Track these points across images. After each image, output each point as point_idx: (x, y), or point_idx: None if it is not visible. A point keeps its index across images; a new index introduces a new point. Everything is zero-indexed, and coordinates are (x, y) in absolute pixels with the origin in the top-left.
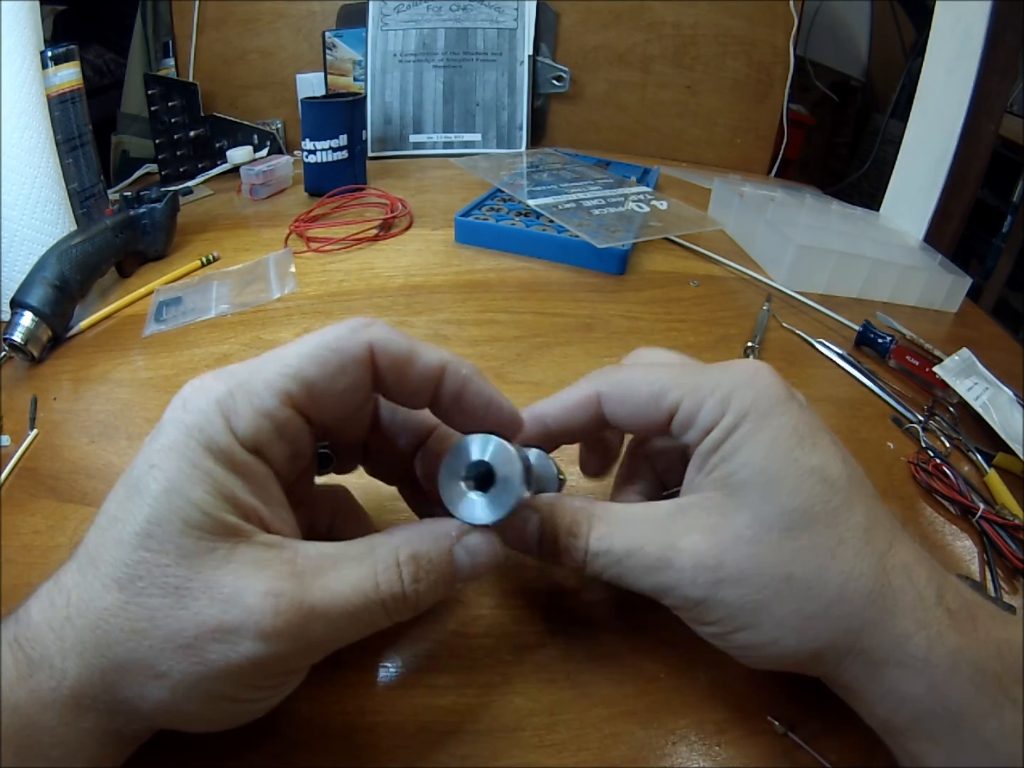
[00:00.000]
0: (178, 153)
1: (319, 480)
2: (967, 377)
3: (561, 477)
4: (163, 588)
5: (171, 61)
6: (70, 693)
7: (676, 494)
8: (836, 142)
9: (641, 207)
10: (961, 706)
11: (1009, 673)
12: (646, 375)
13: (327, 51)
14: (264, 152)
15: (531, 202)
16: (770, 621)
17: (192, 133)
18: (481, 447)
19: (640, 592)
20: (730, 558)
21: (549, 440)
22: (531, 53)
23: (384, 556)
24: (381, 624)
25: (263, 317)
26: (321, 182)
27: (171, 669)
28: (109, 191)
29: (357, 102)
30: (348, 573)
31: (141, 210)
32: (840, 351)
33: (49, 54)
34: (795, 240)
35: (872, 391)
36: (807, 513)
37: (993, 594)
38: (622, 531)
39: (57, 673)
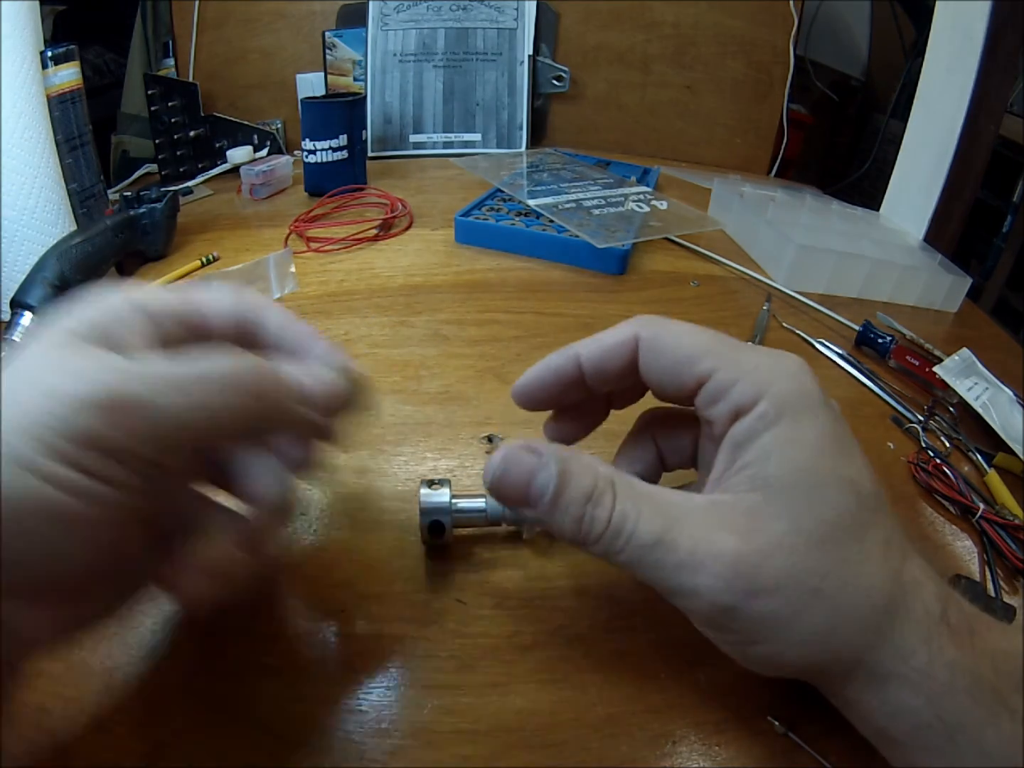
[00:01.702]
0: (178, 153)
1: None
2: (967, 377)
3: None
4: (18, 369)
5: (171, 61)
6: None
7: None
8: (836, 142)
9: (641, 207)
10: (958, 717)
11: (1006, 683)
12: (688, 333)
13: (327, 51)
14: (264, 152)
15: (531, 202)
16: (791, 636)
17: (192, 133)
18: None
19: (652, 585)
20: (767, 567)
21: (581, 384)
22: (531, 53)
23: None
24: (247, 387)
25: None
26: (321, 182)
27: None
28: (109, 191)
29: (357, 102)
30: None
31: (141, 210)
32: (840, 351)
33: (49, 54)
34: (795, 240)
35: (872, 391)
36: (840, 525)
37: (993, 594)
38: (652, 514)
39: None
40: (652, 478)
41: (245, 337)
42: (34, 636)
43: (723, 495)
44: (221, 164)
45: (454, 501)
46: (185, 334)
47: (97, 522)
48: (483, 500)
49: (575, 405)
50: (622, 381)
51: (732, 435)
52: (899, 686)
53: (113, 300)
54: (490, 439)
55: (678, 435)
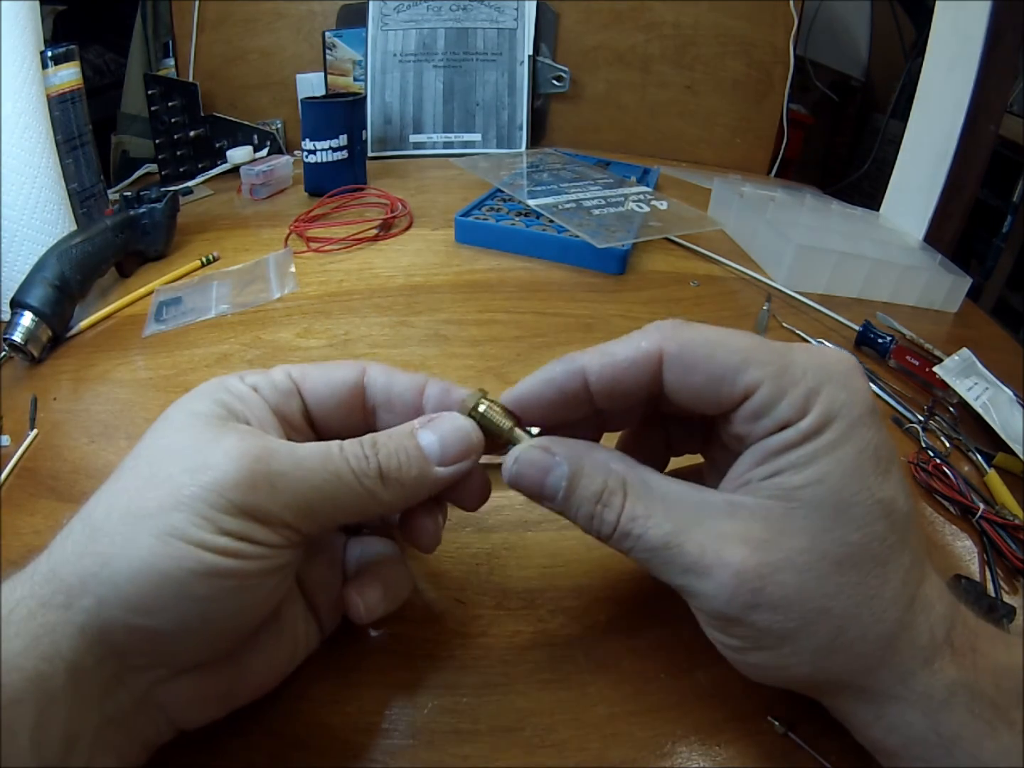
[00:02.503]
0: (178, 153)
1: None
2: (967, 377)
3: None
4: (157, 451)
5: (171, 61)
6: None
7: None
8: (836, 142)
9: (641, 207)
10: (956, 731)
11: (1006, 698)
12: (722, 342)
13: (327, 51)
14: (264, 152)
15: (531, 202)
16: (791, 648)
17: (192, 133)
18: None
19: (660, 579)
20: (775, 582)
21: (584, 402)
22: (531, 53)
23: (350, 440)
24: (354, 487)
25: (263, 317)
26: (321, 182)
27: (141, 506)
28: (109, 191)
29: (357, 102)
30: (314, 444)
31: (141, 210)
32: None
33: (49, 54)
34: (795, 240)
35: (872, 391)
36: (864, 549)
37: (993, 594)
38: (661, 517)
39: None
40: (659, 464)
41: (362, 406)
42: (179, 715)
43: (743, 497)
44: (221, 164)
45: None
46: (295, 411)
47: (249, 575)
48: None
49: (563, 426)
50: (634, 401)
51: (767, 442)
52: (895, 704)
53: (232, 382)
54: None
55: (688, 422)
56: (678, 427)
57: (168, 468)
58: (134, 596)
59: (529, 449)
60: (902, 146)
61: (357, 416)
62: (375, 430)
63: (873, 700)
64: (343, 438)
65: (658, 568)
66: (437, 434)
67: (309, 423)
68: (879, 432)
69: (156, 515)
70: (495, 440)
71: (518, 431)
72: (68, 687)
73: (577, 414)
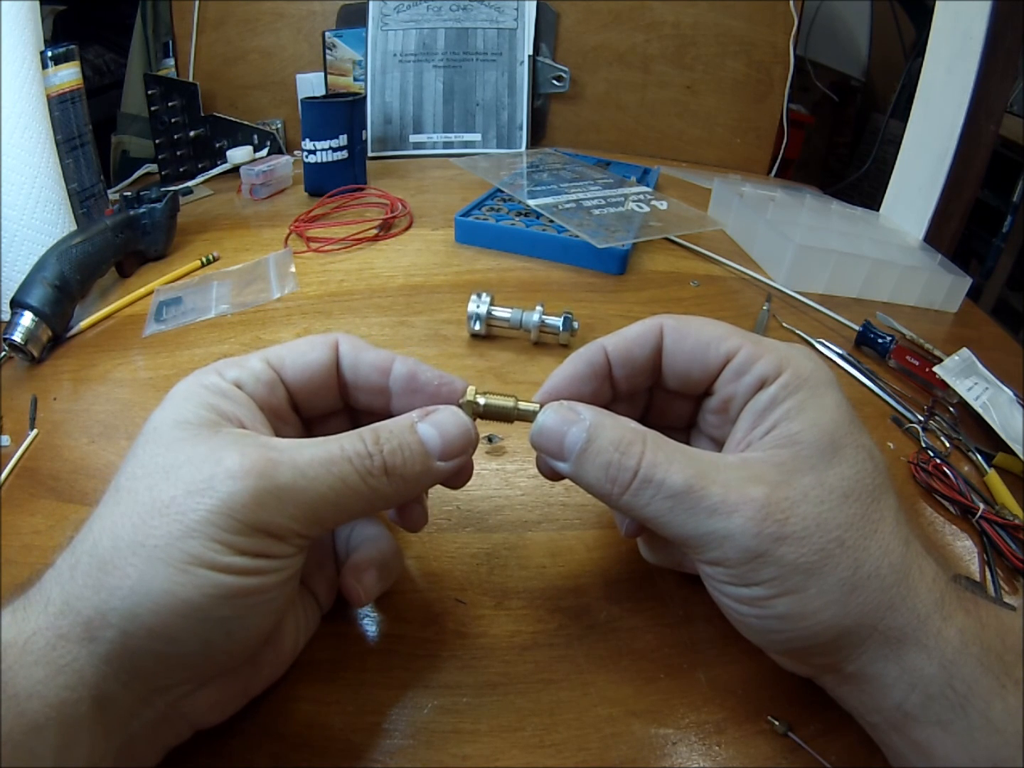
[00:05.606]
0: (178, 153)
1: None
2: (967, 377)
3: None
4: (153, 471)
5: (171, 61)
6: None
7: None
8: (836, 142)
9: (641, 207)
10: (969, 685)
11: (1010, 654)
12: (710, 322)
13: (327, 51)
14: (264, 152)
15: (531, 202)
16: (817, 587)
17: (192, 133)
18: None
19: (676, 537)
20: (797, 514)
21: (607, 377)
22: (531, 53)
23: (349, 434)
24: (358, 488)
25: (263, 317)
26: (321, 182)
27: (149, 536)
28: (109, 191)
29: (357, 102)
30: (314, 444)
31: (141, 210)
32: (840, 351)
33: (49, 54)
34: (795, 240)
35: (872, 391)
36: (860, 483)
37: (993, 594)
38: (682, 464)
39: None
40: None
41: (337, 381)
42: (200, 720)
43: (751, 453)
44: (221, 164)
45: (491, 307)
46: (281, 401)
47: (269, 588)
48: (509, 311)
49: None
50: (644, 374)
51: (756, 401)
52: (916, 651)
53: (212, 380)
54: (490, 439)
55: (675, 408)
56: (669, 418)
57: (169, 491)
58: (159, 627)
59: (556, 406)
60: (902, 146)
61: (333, 392)
62: (351, 402)
63: (894, 646)
64: (323, 415)
65: (681, 516)
66: (437, 429)
67: (292, 406)
68: (844, 396)
69: (169, 544)
70: (503, 422)
71: (523, 403)
72: (93, 712)
73: (601, 393)
